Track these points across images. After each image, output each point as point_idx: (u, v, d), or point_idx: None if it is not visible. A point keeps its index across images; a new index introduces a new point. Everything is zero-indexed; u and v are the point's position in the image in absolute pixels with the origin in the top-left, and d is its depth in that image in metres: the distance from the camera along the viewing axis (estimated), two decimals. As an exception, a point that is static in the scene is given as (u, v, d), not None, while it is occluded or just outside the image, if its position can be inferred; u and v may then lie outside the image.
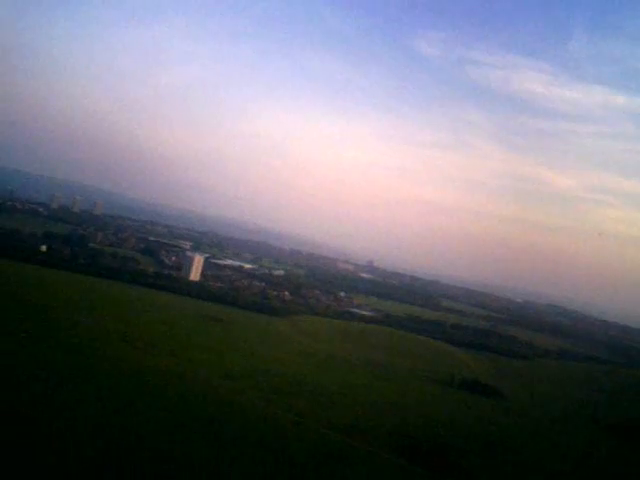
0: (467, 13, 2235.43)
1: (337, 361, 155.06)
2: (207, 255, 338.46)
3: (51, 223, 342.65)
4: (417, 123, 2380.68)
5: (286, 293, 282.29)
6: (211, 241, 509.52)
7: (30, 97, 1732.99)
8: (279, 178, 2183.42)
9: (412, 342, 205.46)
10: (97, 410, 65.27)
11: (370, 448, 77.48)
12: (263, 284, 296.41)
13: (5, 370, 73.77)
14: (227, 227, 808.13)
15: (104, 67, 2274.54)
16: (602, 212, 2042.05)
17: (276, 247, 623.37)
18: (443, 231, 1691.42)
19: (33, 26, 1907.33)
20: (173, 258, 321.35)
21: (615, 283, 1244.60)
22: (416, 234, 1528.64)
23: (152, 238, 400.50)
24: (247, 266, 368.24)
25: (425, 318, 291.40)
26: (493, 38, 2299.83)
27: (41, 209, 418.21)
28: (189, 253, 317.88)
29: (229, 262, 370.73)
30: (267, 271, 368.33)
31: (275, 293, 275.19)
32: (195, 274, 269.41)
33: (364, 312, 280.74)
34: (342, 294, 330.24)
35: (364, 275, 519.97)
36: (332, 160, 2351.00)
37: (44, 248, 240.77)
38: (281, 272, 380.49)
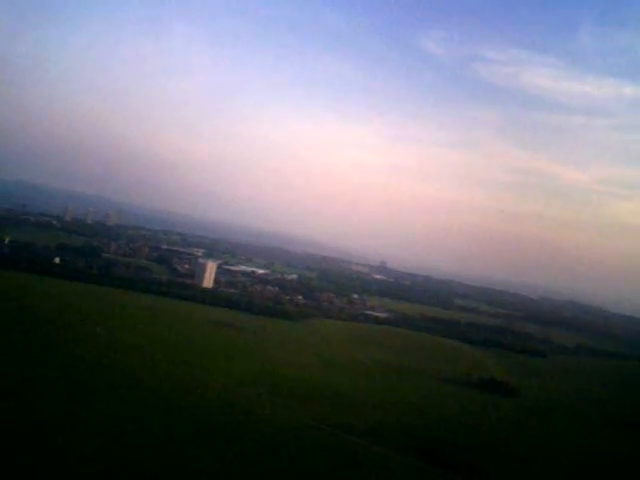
0: (473, 10, 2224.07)
1: (353, 364, 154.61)
2: (220, 261, 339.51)
3: (65, 235, 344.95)
4: (426, 122, 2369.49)
5: (299, 297, 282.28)
6: (223, 247, 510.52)
7: (42, 110, 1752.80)
8: (289, 182, 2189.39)
9: (427, 343, 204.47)
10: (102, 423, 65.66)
11: (391, 452, 77.07)
12: (276, 289, 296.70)
13: (17, 385, 74.46)
14: (239, 233, 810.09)
15: (114, 78, 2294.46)
16: (616, 205, 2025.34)
17: (288, 251, 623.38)
18: (455, 230, 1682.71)
19: (47, 40, 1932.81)
20: (186, 266, 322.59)
21: (632, 276, 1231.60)
22: (428, 234, 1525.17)
23: (165, 247, 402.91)
24: (260, 271, 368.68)
25: (439, 318, 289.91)
26: (500, 34, 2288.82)
27: (54, 222, 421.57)
28: (202, 260, 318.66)
29: (242, 268, 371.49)
30: (280, 275, 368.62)
31: (288, 297, 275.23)
32: (208, 281, 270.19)
33: (378, 314, 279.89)
34: (355, 296, 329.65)
35: (377, 276, 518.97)
36: (341, 162, 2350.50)
37: (58, 260, 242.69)
38: (294, 276, 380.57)
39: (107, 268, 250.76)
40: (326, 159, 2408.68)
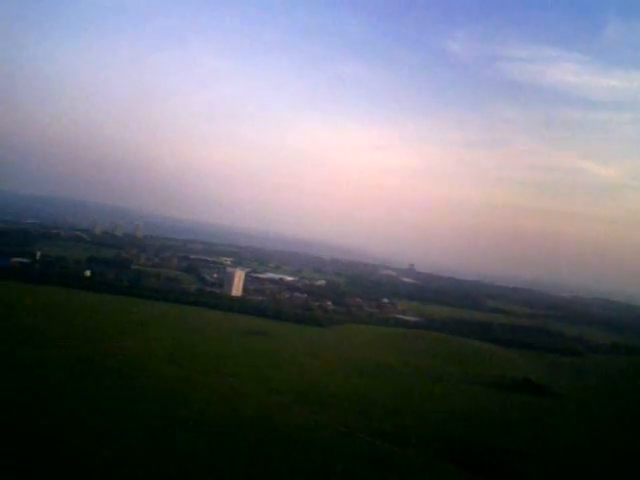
0: (494, 8, 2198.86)
1: (384, 369, 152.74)
2: (248, 270, 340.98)
3: (94, 248, 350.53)
4: (450, 123, 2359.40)
5: (328, 303, 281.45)
6: (251, 255, 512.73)
7: (63, 126, 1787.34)
8: (315, 189, 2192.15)
9: (459, 345, 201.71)
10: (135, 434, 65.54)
11: (425, 458, 75.50)
12: (305, 295, 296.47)
13: (45, 398, 75.03)
14: (267, 240, 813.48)
15: (134, 88, 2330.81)
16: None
17: (316, 257, 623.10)
18: (483, 230, 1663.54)
19: (68, 53, 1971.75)
20: (215, 275, 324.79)
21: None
22: (456, 235, 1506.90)
23: (193, 256, 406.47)
24: (288, 278, 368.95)
25: (470, 320, 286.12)
26: (523, 31, 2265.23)
27: (84, 235, 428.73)
28: (230, 269, 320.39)
29: (270, 275, 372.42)
30: (308, 282, 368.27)
31: (317, 304, 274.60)
32: (237, 289, 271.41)
33: (408, 318, 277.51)
34: (385, 300, 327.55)
35: (406, 280, 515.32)
36: (366, 166, 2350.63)
37: (88, 273, 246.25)
38: (322, 282, 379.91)
39: (137, 280, 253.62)
40: (352, 164, 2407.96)
